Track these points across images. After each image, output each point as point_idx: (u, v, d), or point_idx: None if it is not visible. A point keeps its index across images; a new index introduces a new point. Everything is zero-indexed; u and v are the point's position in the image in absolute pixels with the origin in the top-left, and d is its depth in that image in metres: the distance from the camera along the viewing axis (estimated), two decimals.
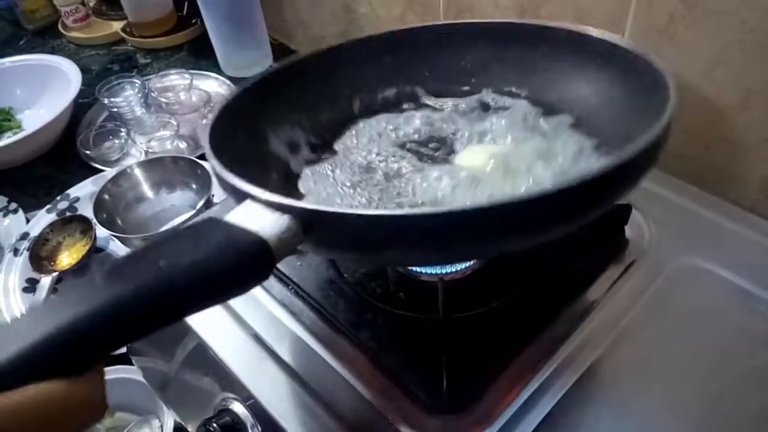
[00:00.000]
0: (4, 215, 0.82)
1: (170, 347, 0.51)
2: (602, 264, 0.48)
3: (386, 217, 0.30)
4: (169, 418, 0.61)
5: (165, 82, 0.98)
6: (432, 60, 0.53)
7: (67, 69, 0.96)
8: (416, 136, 0.50)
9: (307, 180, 0.46)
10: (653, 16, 0.55)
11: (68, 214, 0.79)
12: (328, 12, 0.94)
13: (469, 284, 0.47)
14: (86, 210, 0.77)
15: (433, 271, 0.47)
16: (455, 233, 0.30)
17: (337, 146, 0.50)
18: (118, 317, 0.25)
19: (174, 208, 0.78)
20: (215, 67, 1.03)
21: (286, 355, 0.45)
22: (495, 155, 0.44)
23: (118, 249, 0.76)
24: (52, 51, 1.16)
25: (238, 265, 0.28)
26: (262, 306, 0.48)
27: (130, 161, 0.86)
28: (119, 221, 0.74)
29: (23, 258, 0.73)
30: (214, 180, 0.37)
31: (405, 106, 0.53)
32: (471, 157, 0.46)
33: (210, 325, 0.47)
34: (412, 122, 0.50)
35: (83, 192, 0.82)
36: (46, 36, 1.25)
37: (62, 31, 1.21)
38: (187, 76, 0.98)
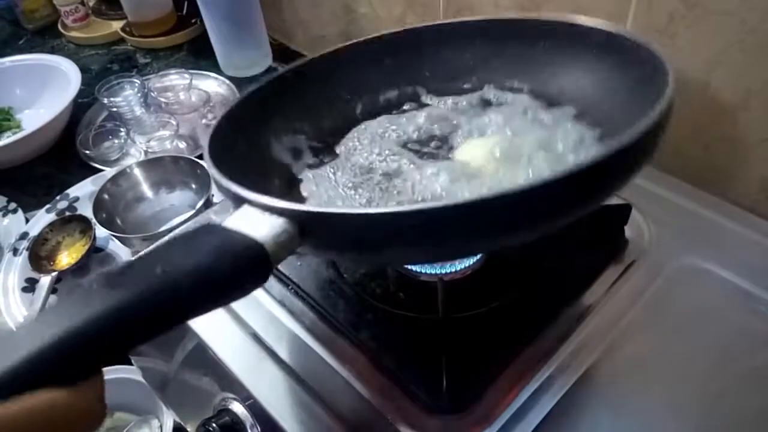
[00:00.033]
0: (4, 215, 0.82)
1: (170, 347, 0.51)
2: (602, 264, 0.48)
3: (377, 216, 0.30)
4: (169, 418, 0.61)
5: (164, 81, 0.98)
6: (432, 59, 0.53)
7: (67, 69, 0.96)
8: (417, 135, 0.50)
9: (308, 183, 0.46)
10: (653, 16, 0.55)
11: (68, 213, 0.79)
12: (328, 12, 0.94)
13: (469, 284, 0.47)
14: (86, 210, 0.77)
15: (433, 271, 0.47)
16: (447, 229, 0.30)
17: (339, 149, 0.50)
18: (116, 325, 0.25)
19: (173, 207, 0.78)
20: (215, 67, 1.03)
21: (285, 355, 0.45)
22: (494, 148, 0.44)
23: (118, 249, 0.76)
24: (52, 51, 1.16)
25: (236, 270, 0.28)
26: (262, 306, 0.48)
27: (129, 161, 0.86)
28: (119, 221, 0.74)
29: (23, 258, 0.73)
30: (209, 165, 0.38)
31: (407, 106, 0.53)
32: (470, 151, 0.46)
33: (209, 325, 0.47)
34: (413, 121, 0.50)
35: (83, 192, 0.82)
36: (45, 36, 1.25)
37: (62, 30, 1.21)
38: (186, 75, 0.98)
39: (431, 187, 0.42)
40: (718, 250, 0.49)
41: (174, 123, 0.89)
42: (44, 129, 0.86)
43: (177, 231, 0.55)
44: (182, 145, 0.90)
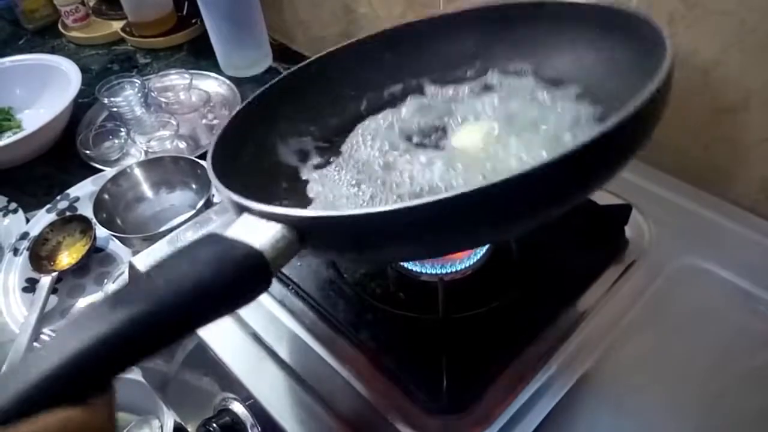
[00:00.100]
0: (4, 215, 0.82)
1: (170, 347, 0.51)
2: (602, 264, 0.48)
3: (370, 216, 0.30)
4: (169, 418, 0.61)
5: (165, 81, 0.98)
6: (433, 50, 0.53)
7: (67, 69, 0.96)
8: (417, 126, 0.49)
9: (315, 184, 0.46)
10: (653, 16, 0.55)
11: (68, 213, 0.79)
12: (328, 12, 0.94)
13: (469, 284, 0.47)
14: (86, 210, 0.77)
15: (433, 271, 0.47)
16: (442, 223, 0.30)
17: (344, 147, 0.50)
18: (124, 343, 0.25)
19: (174, 208, 0.78)
20: (215, 67, 1.03)
21: (285, 355, 0.45)
22: (490, 132, 0.44)
23: (118, 249, 0.76)
24: (52, 51, 1.16)
25: (236, 280, 0.29)
26: (262, 306, 0.48)
27: (129, 161, 0.86)
28: (119, 221, 0.74)
29: (23, 258, 0.73)
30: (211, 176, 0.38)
31: (410, 99, 0.52)
32: (466, 136, 0.46)
33: (210, 325, 0.47)
34: (415, 113, 0.50)
35: (83, 192, 0.82)
36: (45, 36, 1.25)
37: (62, 30, 1.21)
38: (186, 75, 0.98)
39: (428, 177, 0.42)
40: (718, 250, 0.49)
41: (174, 123, 0.89)
42: (44, 129, 0.86)
43: (182, 243, 0.56)
44: (182, 145, 0.90)
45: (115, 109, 0.90)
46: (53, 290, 0.70)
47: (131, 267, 0.54)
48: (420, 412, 0.40)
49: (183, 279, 0.27)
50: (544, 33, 0.48)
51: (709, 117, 0.56)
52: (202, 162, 0.75)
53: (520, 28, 0.49)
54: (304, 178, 0.48)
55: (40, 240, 0.74)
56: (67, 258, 0.73)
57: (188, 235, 0.56)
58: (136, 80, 0.93)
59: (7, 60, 1.01)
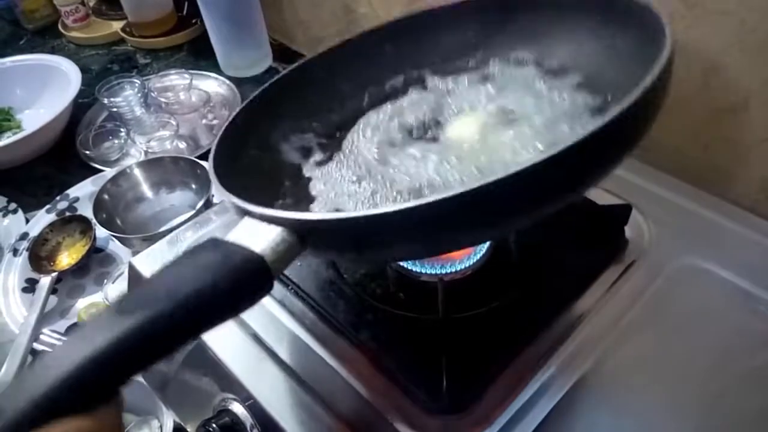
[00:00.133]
0: (4, 215, 0.82)
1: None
2: (602, 264, 0.48)
3: (368, 218, 0.30)
4: (169, 419, 0.61)
5: (165, 82, 0.98)
6: (434, 41, 0.52)
7: (67, 69, 0.96)
8: (415, 119, 0.49)
9: (317, 182, 0.46)
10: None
11: (68, 214, 0.79)
12: (328, 12, 0.94)
13: (469, 284, 0.47)
14: (86, 210, 0.77)
15: (433, 272, 0.47)
16: (441, 223, 0.30)
17: (344, 143, 0.49)
18: (129, 352, 0.26)
19: (173, 208, 0.78)
20: (215, 67, 1.03)
21: (285, 356, 0.45)
22: (486, 123, 0.44)
23: (118, 249, 0.76)
24: (52, 51, 1.16)
25: (238, 285, 0.29)
26: (262, 306, 0.48)
27: (129, 161, 0.86)
28: (119, 221, 0.74)
29: (23, 258, 0.73)
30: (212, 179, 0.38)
31: (411, 90, 0.52)
32: (462, 127, 0.45)
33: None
34: (414, 105, 0.50)
35: (83, 192, 0.82)
36: (45, 36, 1.25)
37: (62, 30, 1.21)
38: (186, 76, 0.98)
39: (424, 172, 0.42)
40: (718, 250, 0.49)
41: (174, 123, 0.89)
42: (44, 129, 0.86)
43: (181, 243, 0.56)
44: (182, 145, 0.90)
45: (115, 110, 0.90)
46: (53, 290, 0.70)
47: (131, 267, 0.54)
48: (420, 412, 0.40)
49: (185, 286, 0.28)
50: (545, 22, 0.48)
51: (709, 117, 0.56)
52: (202, 162, 0.75)
53: (520, 17, 0.49)
54: (306, 175, 0.47)
55: (40, 240, 0.74)
56: (66, 258, 0.73)
57: (188, 235, 0.56)
58: (136, 80, 0.93)
59: (7, 60, 1.01)
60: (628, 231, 0.51)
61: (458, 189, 0.28)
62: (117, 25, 1.19)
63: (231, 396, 0.45)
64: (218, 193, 0.37)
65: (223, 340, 0.46)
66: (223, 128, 0.44)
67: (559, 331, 0.44)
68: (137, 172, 0.78)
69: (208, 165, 0.40)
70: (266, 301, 0.49)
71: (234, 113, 0.46)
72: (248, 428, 0.44)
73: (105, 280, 0.71)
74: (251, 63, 1.01)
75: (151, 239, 0.62)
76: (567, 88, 0.45)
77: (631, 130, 0.32)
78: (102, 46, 1.18)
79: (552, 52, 0.48)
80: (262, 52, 1.02)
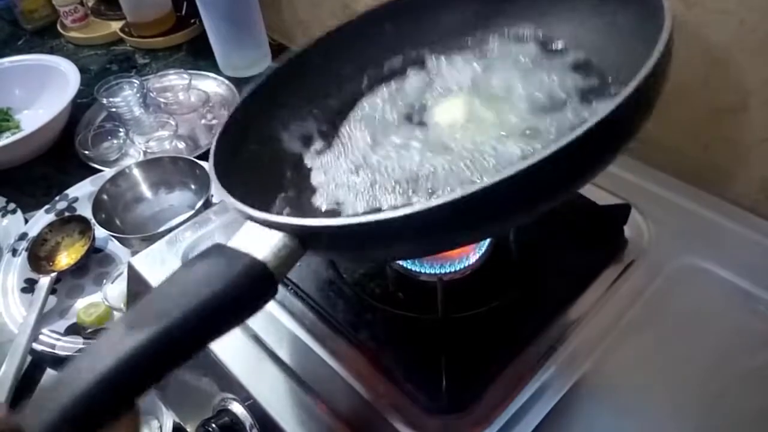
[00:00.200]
0: (3, 215, 0.82)
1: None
2: (601, 264, 0.48)
3: (364, 224, 0.30)
4: (168, 419, 0.61)
5: (164, 82, 0.98)
6: (434, 20, 0.52)
7: (66, 69, 0.96)
8: (410, 102, 0.49)
9: (318, 172, 0.46)
10: None
11: (67, 214, 0.79)
12: (328, 12, 0.93)
13: (469, 284, 0.47)
14: (85, 210, 0.77)
15: (433, 271, 0.47)
16: (440, 226, 0.30)
17: (342, 131, 0.49)
18: (142, 368, 0.27)
19: (173, 208, 0.78)
20: (214, 67, 1.03)
21: (285, 356, 0.45)
22: (472, 106, 0.44)
23: (117, 249, 0.75)
24: (51, 51, 1.16)
25: (243, 292, 0.30)
26: None
27: (128, 161, 0.86)
28: (118, 221, 0.74)
29: (22, 258, 0.73)
30: (213, 180, 0.38)
31: (410, 71, 0.52)
32: (447, 111, 0.45)
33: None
34: (410, 87, 0.50)
35: (82, 192, 0.82)
36: (44, 36, 1.24)
37: (61, 31, 1.21)
38: (185, 76, 0.98)
39: (413, 161, 0.42)
40: (717, 249, 0.48)
41: (173, 123, 0.89)
42: (43, 129, 0.86)
43: (180, 243, 0.56)
44: (181, 145, 0.89)
45: (113, 110, 0.90)
46: (52, 291, 0.69)
47: (130, 267, 0.54)
48: (420, 412, 0.40)
49: (191, 300, 0.28)
50: (546, 1, 0.48)
51: (709, 116, 0.56)
52: (201, 162, 0.75)
53: None
54: (307, 165, 0.47)
55: (39, 240, 0.74)
56: (65, 258, 0.73)
57: (187, 236, 0.56)
58: (134, 80, 0.93)
59: (6, 60, 1.01)
60: (628, 231, 0.51)
61: (456, 194, 0.28)
62: (116, 25, 1.19)
63: (230, 396, 0.45)
64: (218, 194, 0.37)
65: (223, 340, 0.46)
66: (223, 124, 0.44)
67: (558, 330, 0.44)
68: (136, 173, 0.77)
69: (208, 165, 0.40)
70: None
71: (233, 108, 0.45)
72: (248, 428, 0.44)
73: (104, 280, 0.71)
74: (250, 63, 1.01)
75: (150, 239, 0.62)
76: (563, 67, 0.45)
77: (634, 114, 0.32)
78: (101, 46, 1.18)
79: (552, 29, 0.47)
80: (261, 52, 1.02)
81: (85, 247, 0.73)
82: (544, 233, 0.48)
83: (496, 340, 0.44)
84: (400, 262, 0.48)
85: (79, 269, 0.73)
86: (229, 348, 0.46)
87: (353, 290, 0.48)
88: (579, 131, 0.28)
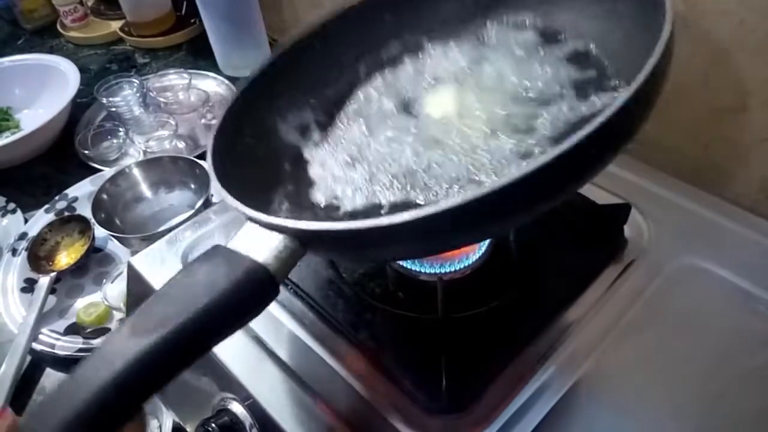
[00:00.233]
0: (3, 215, 0.82)
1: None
2: (601, 263, 0.48)
3: (365, 230, 0.30)
4: (168, 418, 0.61)
5: (163, 81, 0.98)
6: (433, 8, 0.51)
7: (66, 69, 0.96)
8: (404, 92, 0.49)
9: (315, 165, 0.46)
10: None
11: (66, 213, 0.79)
12: (328, 12, 0.93)
13: (469, 284, 0.47)
14: (85, 210, 0.77)
15: (433, 271, 0.47)
16: (440, 229, 0.30)
17: (338, 121, 0.49)
18: (147, 373, 0.27)
19: (172, 207, 0.78)
20: (214, 67, 1.03)
21: (284, 355, 0.45)
22: (465, 97, 0.44)
23: (117, 249, 0.75)
24: (51, 51, 1.16)
25: (244, 295, 0.30)
26: None
27: (128, 161, 0.86)
28: (118, 221, 0.74)
29: (21, 258, 0.73)
30: (213, 180, 0.38)
31: (406, 59, 0.51)
32: (439, 103, 0.45)
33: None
34: (407, 76, 0.49)
35: (81, 192, 0.82)
36: (44, 35, 1.24)
37: (61, 30, 1.21)
38: (185, 75, 0.98)
39: (406, 155, 0.42)
40: (717, 249, 0.49)
41: (173, 123, 0.89)
42: (43, 129, 0.86)
43: (180, 243, 0.56)
44: (181, 144, 0.89)
45: (113, 109, 0.90)
46: (52, 290, 0.69)
47: (130, 267, 0.54)
48: (420, 412, 0.40)
49: (193, 303, 0.28)
50: None
51: (709, 116, 0.56)
52: (200, 162, 0.75)
53: None
54: (306, 157, 0.47)
55: (39, 240, 0.74)
56: (65, 258, 0.73)
57: (187, 235, 0.56)
58: (134, 80, 0.93)
59: (6, 60, 1.01)
60: (628, 230, 0.51)
61: (457, 200, 0.28)
62: (115, 25, 1.19)
63: (230, 395, 0.45)
64: (218, 193, 0.37)
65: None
66: (219, 120, 0.43)
67: (558, 330, 0.44)
68: (136, 172, 0.77)
69: (207, 163, 0.40)
70: None
71: (228, 105, 0.45)
72: (247, 428, 0.43)
73: (104, 280, 0.71)
74: (250, 63, 1.01)
75: (150, 239, 0.62)
76: (561, 57, 0.44)
77: (634, 115, 0.32)
78: (100, 45, 1.18)
79: (552, 16, 0.47)
80: (261, 52, 1.01)
81: (85, 247, 0.73)
82: (544, 233, 0.48)
83: (496, 340, 0.44)
84: (400, 262, 0.48)
85: (79, 269, 0.73)
86: (229, 348, 0.46)
87: (353, 290, 0.48)
88: (579, 135, 0.28)
